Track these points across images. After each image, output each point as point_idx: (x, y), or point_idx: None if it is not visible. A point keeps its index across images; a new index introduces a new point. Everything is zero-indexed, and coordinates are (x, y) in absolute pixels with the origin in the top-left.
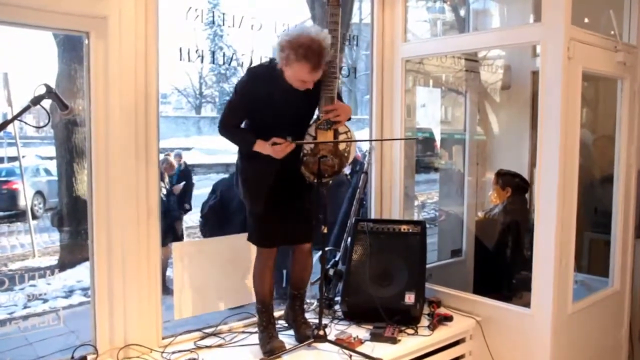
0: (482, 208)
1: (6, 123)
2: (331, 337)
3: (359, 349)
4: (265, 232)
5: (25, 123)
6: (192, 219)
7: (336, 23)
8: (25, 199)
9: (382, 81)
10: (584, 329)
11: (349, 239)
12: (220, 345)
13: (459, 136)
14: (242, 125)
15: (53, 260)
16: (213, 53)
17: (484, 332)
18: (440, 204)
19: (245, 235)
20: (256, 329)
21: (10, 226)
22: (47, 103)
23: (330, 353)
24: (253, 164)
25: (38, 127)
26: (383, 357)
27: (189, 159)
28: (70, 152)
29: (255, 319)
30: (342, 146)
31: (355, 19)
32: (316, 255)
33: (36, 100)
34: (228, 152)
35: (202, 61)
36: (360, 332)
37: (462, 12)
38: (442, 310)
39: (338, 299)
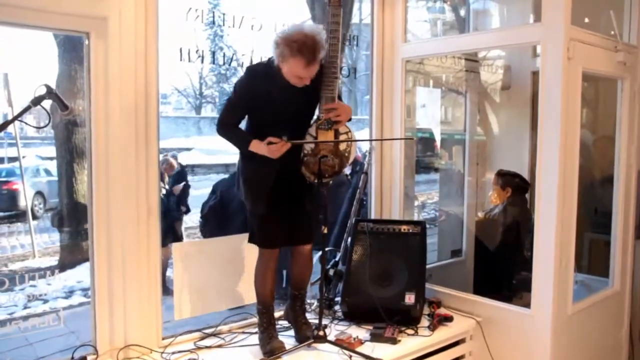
0: (482, 208)
1: (7, 123)
2: (331, 337)
3: (359, 349)
4: (266, 233)
5: (26, 123)
6: (192, 219)
7: (337, 24)
8: (26, 200)
9: (382, 81)
10: (584, 330)
11: (349, 239)
12: (220, 346)
13: (459, 136)
14: (243, 125)
15: (53, 260)
16: (213, 53)
17: (484, 332)
18: (440, 204)
19: (245, 235)
20: (256, 330)
21: (10, 226)
22: (47, 103)
23: (330, 353)
24: (254, 165)
25: (38, 128)
26: (383, 357)
27: (189, 159)
28: (71, 152)
29: (255, 320)
30: (342, 146)
31: (355, 19)
32: (316, 256)
33: (36, 101)
34: (228, 152)
35: (202, 61)
36: (360, 332)
37: (462, 12)
38: (442, 311)
39: (338, 299)
